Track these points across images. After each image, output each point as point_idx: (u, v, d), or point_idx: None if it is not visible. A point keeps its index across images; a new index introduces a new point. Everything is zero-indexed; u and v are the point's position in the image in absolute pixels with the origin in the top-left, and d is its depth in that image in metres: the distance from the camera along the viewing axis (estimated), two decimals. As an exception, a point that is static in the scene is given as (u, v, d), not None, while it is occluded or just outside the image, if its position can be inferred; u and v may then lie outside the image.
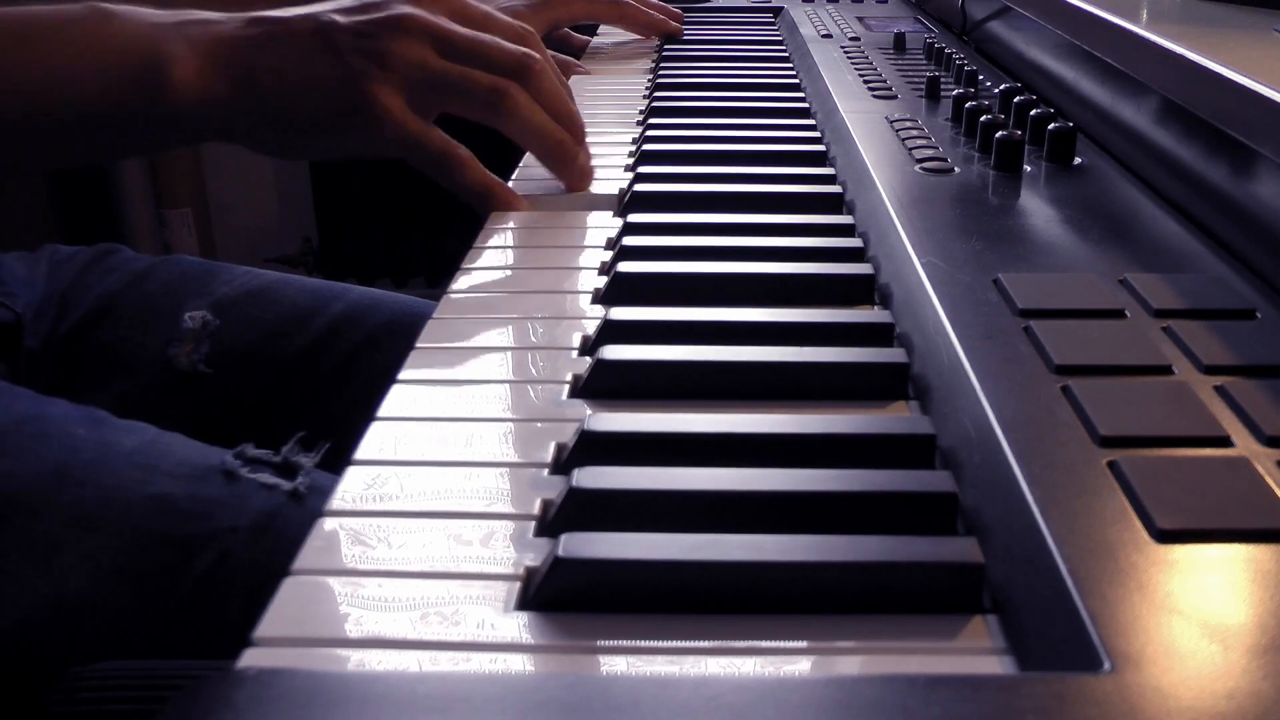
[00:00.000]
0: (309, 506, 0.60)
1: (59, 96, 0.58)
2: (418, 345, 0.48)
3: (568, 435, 0.40)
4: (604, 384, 0.44)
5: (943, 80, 0.82)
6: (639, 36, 1.17)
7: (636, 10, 1.14)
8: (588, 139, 0.69)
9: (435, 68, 0.61)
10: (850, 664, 0.31)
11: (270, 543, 0.57)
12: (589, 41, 1.19)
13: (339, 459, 0.40)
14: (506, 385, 0.45)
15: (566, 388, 0.45)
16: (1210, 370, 0.39)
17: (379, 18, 0.61)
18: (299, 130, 0.61)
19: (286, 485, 0.60)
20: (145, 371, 0.77)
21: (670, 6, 1.18)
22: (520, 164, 0.73)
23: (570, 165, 0.67)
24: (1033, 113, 0.67)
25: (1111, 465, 0.34)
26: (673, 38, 1.15)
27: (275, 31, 0.60)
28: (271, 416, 0.77)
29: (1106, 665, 0.27)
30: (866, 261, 0.55)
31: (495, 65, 0.63)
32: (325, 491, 0.66)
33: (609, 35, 1.22)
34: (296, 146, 0.64)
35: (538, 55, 0.64)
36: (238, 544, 0.57)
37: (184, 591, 0.56)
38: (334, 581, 0.33)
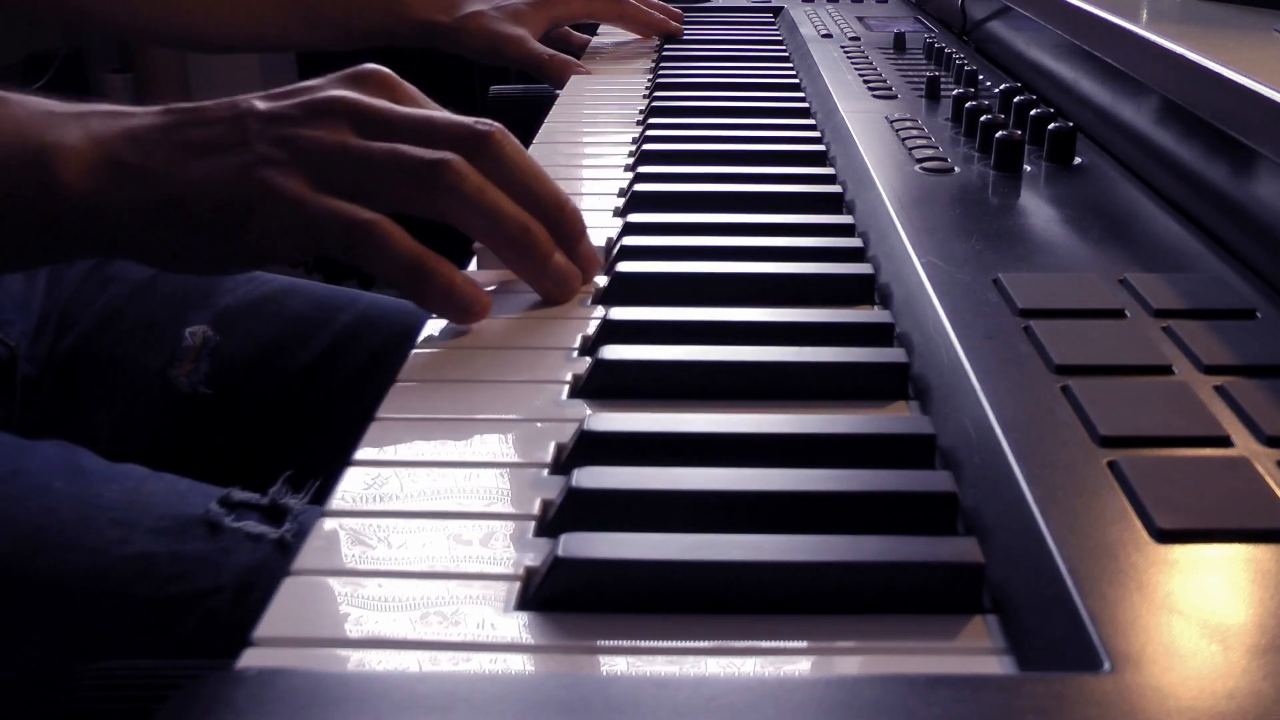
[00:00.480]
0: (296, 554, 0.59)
1: None
2: (416, 346, 0.48)
3: (567, 435, 0.40)
4: (604, 384, 0.44)
5: (943, 80, 0.82)
6: (639, 36, 1.17)
7: (637, 10, 1.12)
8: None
9: (355, 148, 0.50)
10: (850, 664, 0.31)
11: (255, 601, 0.54)
12: (589, 41, 1.19)
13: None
14: (506, 385, 0.45)
15: (566, 387, 0.45)
16: (1210, 370, 0.39)
17: (301, 101, 0.51)
18: (194, 231, 0.50)
19: (273, 534, 0.58)
20: (145, 393, 0.75)
21: (670, 6, 1.18)
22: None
23: (538, 263, 0.51)
24: (1033, 112, 0.67)
25: (1111, 465, 0.34)
26: (673, 37, 1.15)
27: (185, 121, 0.51)
28: (275, 438, 0.75)
29: (1106, 665, 0.27)
30: (866, 261, 0.55)
31: (437, 140, 0.50)
32: None
33: (609, 35, 1.22)
34: (198, 254, 0.52)
35: (494, 124, 0.52)
36: (221, 605, 0.55)
37: (146, 688, 0.54)
38: (334, 581, 0.33)
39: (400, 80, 0.54)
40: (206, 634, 0.55)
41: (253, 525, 0.58)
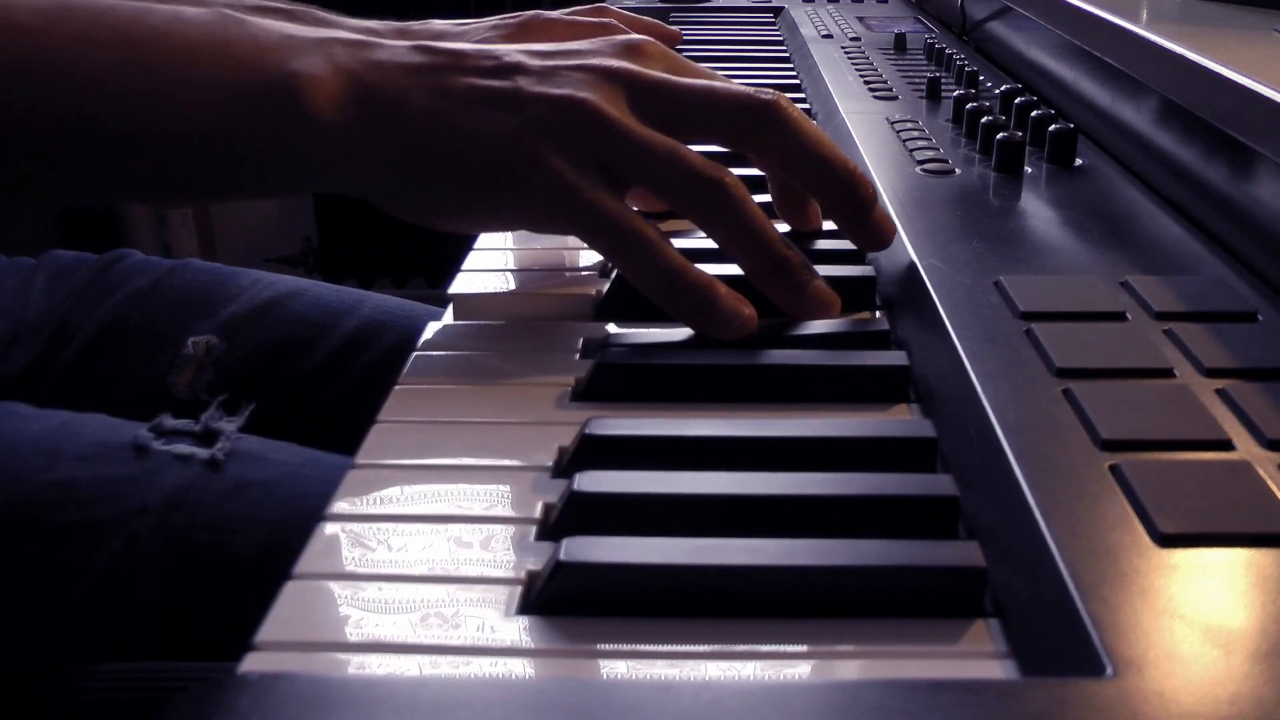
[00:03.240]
0: (229, 474, 0.55)
1: (170, 111, 0.47)
2: (419, 348, 0.48)
3: (569, 438, 0.40)
4: (606, 387, 0.44)
5: (943, 81, 0.82)
6: None
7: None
8: None
9: (635, 135, 0.48)
10: (852, 668, 0.31)
11: (183, 519, 0.53)
12: None
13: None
14: (508, 388, 0.45)
15: (568, 391, 0.45)
16: (1211, 373, 0.39)
17: (575, 64, 0.49)
18: (446, 187, 0.48)
19: (203, 454, 0.55)
20: (145, 402, 0.72)
21: (668, 28, 1.12)
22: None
23: (796, 290, 0.49)
24: (1033, 114, 0.67)
25: (1113, 469, 0.34)
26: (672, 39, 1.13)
27: (444, 63, 0.48)
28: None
29: (1108, 670, 0.27)
30: (868, 264, 0.55)
31: (721, 113, 0.49)
32: (252, 457, 0.60)
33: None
34: (439, 208, 0.50)
35: (775, 92, 0.50)
36: (146, 526, 0.53)
37: (88, 584, 0.53)
38: (335, 585, 0.33)
39: (675, 53, 0.54)
40: (130, 558, 0.53)
41: (182, 448, 0.56)
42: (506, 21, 0.87)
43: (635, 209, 0.49)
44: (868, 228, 0.51)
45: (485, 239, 0.61)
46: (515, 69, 0.49)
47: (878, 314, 0.51)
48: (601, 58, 0.50)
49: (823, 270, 0.54)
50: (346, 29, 0.51)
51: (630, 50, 0.52)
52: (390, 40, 0.50)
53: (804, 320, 0.49)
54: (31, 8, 0.46)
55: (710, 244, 0.50)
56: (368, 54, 0.49)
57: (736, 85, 0.51)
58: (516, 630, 0.31)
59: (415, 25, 0.69)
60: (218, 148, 0.48)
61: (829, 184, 0.50)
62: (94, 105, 0.46)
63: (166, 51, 0.47)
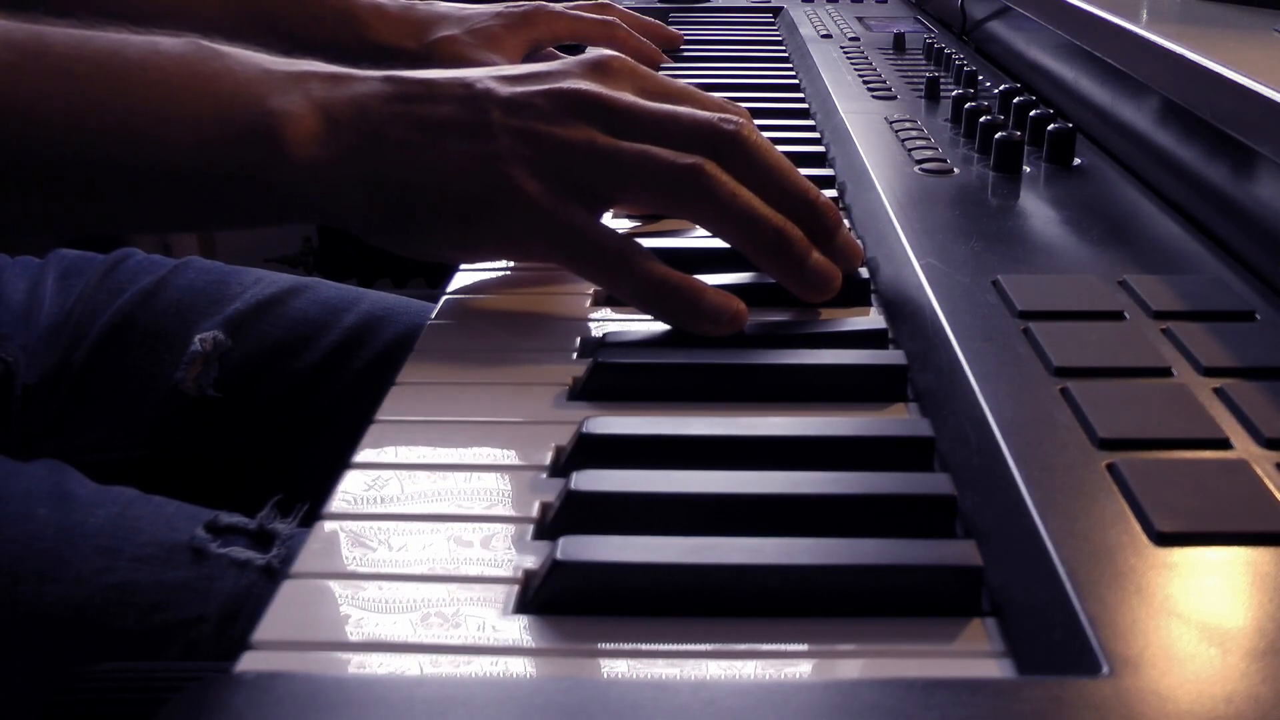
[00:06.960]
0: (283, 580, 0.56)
1: (149, 148, 0.47)
2: (417, 347, 0.48)
3: (566, 438, 0.40)
4: (603, 386, 0.44)
5: (942, 81, 0.82)
6: None
7: (628, 35, 1.00)
8: None
9: (603, 147, 0.48)
10: (849, 667, 0.31)
11: (239, 630, 0.54)
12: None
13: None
14: (505, 387, 0.45)
15: (565, 390, 0.45)
16: (1209, 372, 0.39)
17: (544, 89, 0.50)
18: (425, 220, 0.49)
19: (259, 560, 0.56)
20: (153, 399, 0.73)
21: (668, 29, 1.08)
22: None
23: (795, 264, 0.49)
24: (1032, 113, 0.67)
25: (1110, 468, 0.34)
26: (670, 44, 1.10)
27: (416, 94, 0.49)
28: (284, 439, 0.74)
29: (1105, 669, 0.27)
30: (865, 264, 0.55)
31: (683, 139, 0.49)
32: None
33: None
34: (420, 240, 0.50)
35: (740, 120, 0.50)
36: (204, 636, 0.54)
37: (146, 689, 0.53)
38: (333, 584, 0.33)
39: (642, 68, 0.54)
40: (187, 668, 0.53)
41: (238, 551, 0.56)
42: (511, 10, 0.87)
43: (627, 213, 0.48)
44: (832, 253, 0.51)
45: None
46: (486, 96, 0.49)
47: (875, 313, 0.51)
48: (570, 80, 0.51)
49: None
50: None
51: (598, 69, 0.52)
52: (364, 72, 0.51)
53: (807, 299, 0.50)
54: (6, 41, 0.46)
55: (694, 247, 0.50)
56: (343, 89, 0.49)
57: (703, 112, 0.51)
58: (515, 629, 0.31)
59: (420, 5, 0.68)
60: (197, 184, 0.48)
61: (791, 212, 0.50)
62: (71, 141, 0.46)
63: (145, 87, 0.47)
